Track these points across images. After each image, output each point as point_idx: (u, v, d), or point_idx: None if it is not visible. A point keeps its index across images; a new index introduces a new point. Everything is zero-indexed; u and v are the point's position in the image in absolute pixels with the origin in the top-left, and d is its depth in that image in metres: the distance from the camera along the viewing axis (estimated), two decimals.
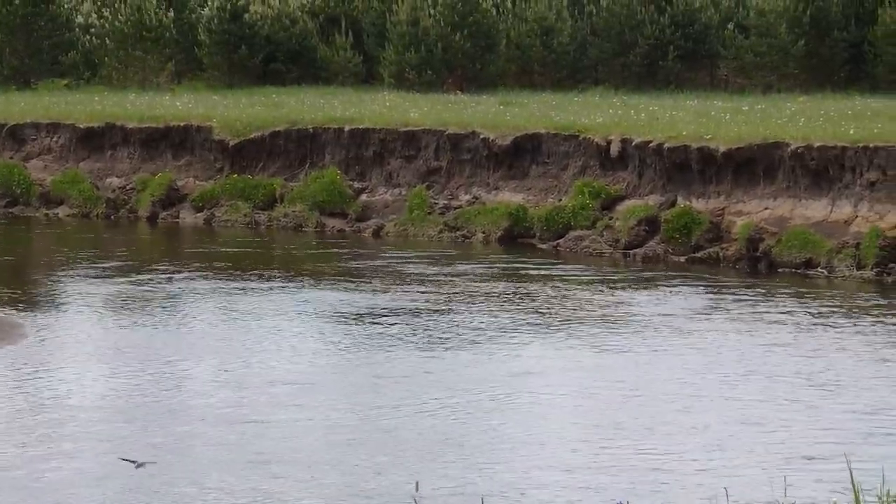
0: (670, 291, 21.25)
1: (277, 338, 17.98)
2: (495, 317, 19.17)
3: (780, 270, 23.09)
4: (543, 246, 26.00)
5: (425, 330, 18.34)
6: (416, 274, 22.91)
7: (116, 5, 43.65)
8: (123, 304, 20.34)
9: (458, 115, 30.20)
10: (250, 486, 11.95)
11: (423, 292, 21.12)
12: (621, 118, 28.76)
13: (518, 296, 20.89)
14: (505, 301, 20.46)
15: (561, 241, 25.94)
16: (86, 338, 18.16)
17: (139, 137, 31.87)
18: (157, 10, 42.72)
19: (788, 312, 19.47)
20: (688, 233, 24.57)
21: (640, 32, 40.30)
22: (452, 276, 22.68)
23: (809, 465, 12.42)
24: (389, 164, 29.35)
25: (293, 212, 29.17)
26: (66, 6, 44.58)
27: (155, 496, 11.70)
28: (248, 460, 12.63)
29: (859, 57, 38.66)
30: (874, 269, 22.18)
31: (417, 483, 11.70)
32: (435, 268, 23.52)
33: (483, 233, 26.91)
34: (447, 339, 17.81)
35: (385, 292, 21.22)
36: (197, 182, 30.95)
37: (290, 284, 22.11)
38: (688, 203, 25.22)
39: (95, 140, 32.36)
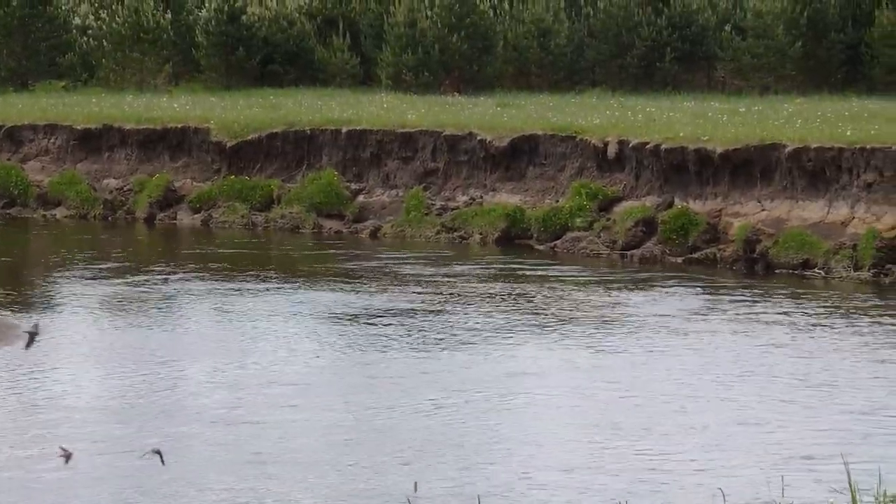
0: (667, 292, 21.24)
1: (274, 339, 17.97)
2: (492, 317, 19.16)
3: (777, 271, 23.09)
4: (540, 247, 25.99)
5: (422, 331, 18.33)
6: (413, 275, 22.90)
7: (114, 7, 43.62)
8: (120, 305, 20.32)
9: (456, 116, 30.20)
10: (247, 486, 11.94)
11: (419, 293, 21.11)
12: (618, 119, 28.76)
13: (515, 297, 20.88)
14: (502, 302, 20.45)
15: (558, 242, 25.94)
16: (82, 339, 18.14)
17: (136, 139, 31.85)
18: (155, 11, 42.69)
19: (785, 313, 19.47)
20: (685, 234, 24.57)
21: (637, 34, 40.31)
22: (449, 277, 22.68)
23: (807, 466, 12.41)
24: (387, 166, 29.34)
25: (290, 213, 29.16)
26: (63, 8, 44.56)
27: (151, 497, 11.68)
28: (244, 461, 12.62)
29: (856, 59, 38.67)
30: (871, 271, 22.19)
31: (416, 483, 11.70)
32: (432, 269, 23.51)
33: (480, 234, 26.90)
34: (444, 339, 17.80)
35: (382, 293, 21.21)
36: (194, 183, 30.94)
37: (287, 285, 22.10)
38: (685, 204, 25.22)
39: (93, 141, 32.34)
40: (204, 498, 11.68)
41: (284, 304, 20.35)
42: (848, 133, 24.31)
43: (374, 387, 15.47)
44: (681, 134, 26.05)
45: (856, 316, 19.28)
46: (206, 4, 42.73)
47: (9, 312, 19.58)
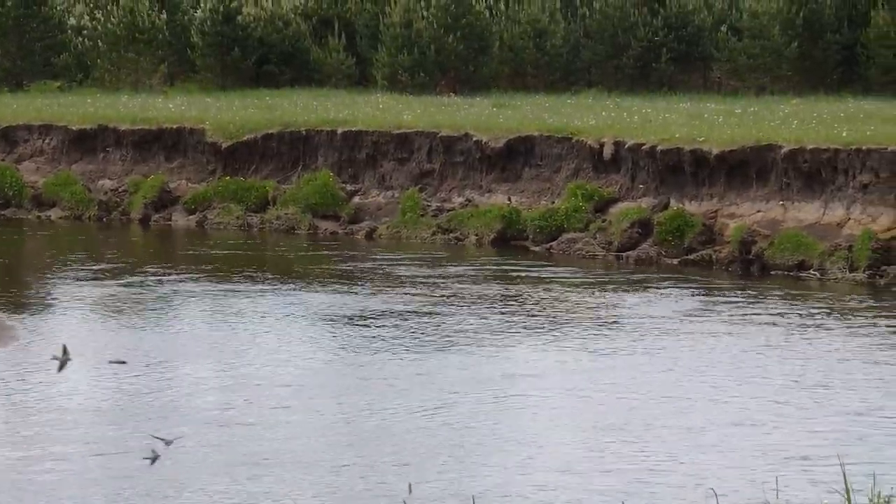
0: (663, 294, 21.22)
1: (268, 340, 17.93)
2: (487, 319, 19.14)
3: (772, 273, 23.08)
4: (536, 248, 25.97)
5: (417, 332, 18.30)
6: (409, 276, 22.87)
7: (109, 7, 43.58)
8: (115, 307, 20.29)
9: (451, 117, 30.18)
10: (241, 487, 11.91)
11: (415, 294, 21.09)
12: (614, 120, 28.75)
13: (510, 298, 20.86)
14: (497, 303, 20.42)
15: (554, 243, 25.91)
16: (76, 340, 18.09)
17: (132, 139, 31.82)
18: (150, 12, 42.65)
19: (781, 314, 19.46)
20: (681, 235, 24.55)
21: (633, 35, 40.30)
22: (445, 278, 22.65)
23: (802, 467, 12.39)
24: (382, 167, 29.31)
25: (286, 214, 29.13)
26: (58, 8, 44.51)
27: (146, 498, 11.65)
28: (238, 462, 12.59)
29: (852, 59, 38.68)
30: (866, 272, 22.17)
31: (410, 485, 11.67)
32: (427, 270, 23.48)
33: (476, 235, 26.87)
34: (439, 340, 17.77)
35: (377, 294, 21.18)
36: (189, 184, 30.90)
37: (282, 287, 22.06)
38: (681, 205, 25.20)
39: (88, 142, 32.30)
40: (198, 499, 11.65)
41: (279, 306, 20.31)
42: (844, 134, 24.31)
43: (369, 388, 15.44)
44: (677, 135, 26.04)
45: (851, 317, 19.26)
46: (202, 5, 42.69)
47: (4, 314, 19.53)
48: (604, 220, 25.81)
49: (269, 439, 13.30)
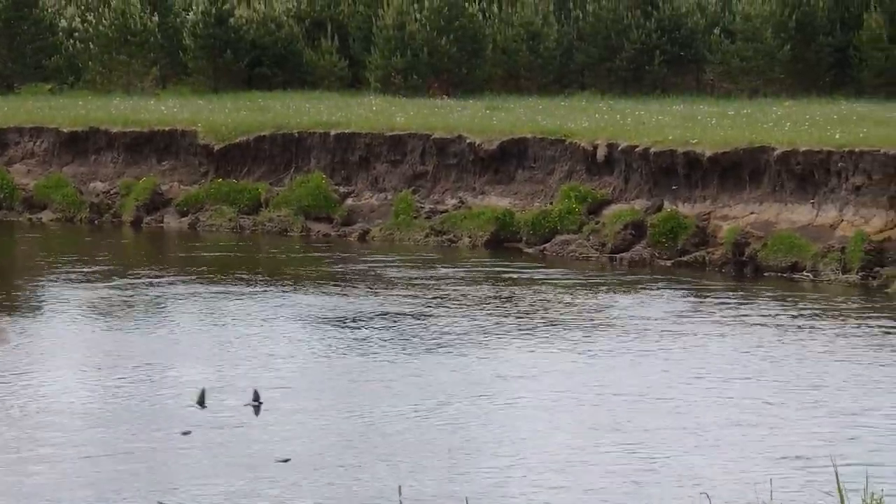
0: (656, 295, 21.21)
1: (260, 342, 17.89)
2: (480, 321, 19.11)
3: (765, 274, 23.08)
4: (530, 250, 25.96)
5: (410, 334, 18.27)
6: (402, 278, 22.84)
7: (100, 9, 43.55)
8: (106, 309, 20.23)
9: (445, 119, 30.16)
10: (234, 489, 11.88)
11: (408, 296, 21.05)
12: (608, 123, 28.76)
13: (504, 300, 20.83)
14: (490, 305, 20.40)
15: (547, 245, 25.90)
16: (68, 343, 18.05)
17: (123, 142, 31.77)
18: (142, 14, 42.62)
19: (773, 316, 19.45)
20: (674, 237, 24.55)
21: (626, 37, 40.33)
22: (438, 280, 22.62)
23: (795, 468, 12.38)
24: (375, 169, 29.28)
25: (278, 216, 29.09)
26: (49, 10, 44.47)
27: (137, 501, 11.61)
28: (231, 464, 12.56)
29: (845, 62, 38.75)
30: (859, 273, 22.18)
31: (400, 487, 11.65)
32: (420, 272, 23.45)
33: (469, 237, 26.85)
34: (432, 342, 17.74)
35: (370, 297, 21.15)
36: (181, 186, 30.85)
37: (275, 289, 22.02)
38: (674, 207, 25.20)
39: (79, 144, 32.25)
40: (191, 501, 11.60)
41: (271, 308, 20.27)
42: (836, 136, 24.33)
43: (362, 389, 15.41)
44: (670, 137, 26.04)
45: (844, 319, 19.26)
46: (194, 7, 42.68)
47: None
48: (597, 222, 25.81)
49: (263, 441, 13.26)
